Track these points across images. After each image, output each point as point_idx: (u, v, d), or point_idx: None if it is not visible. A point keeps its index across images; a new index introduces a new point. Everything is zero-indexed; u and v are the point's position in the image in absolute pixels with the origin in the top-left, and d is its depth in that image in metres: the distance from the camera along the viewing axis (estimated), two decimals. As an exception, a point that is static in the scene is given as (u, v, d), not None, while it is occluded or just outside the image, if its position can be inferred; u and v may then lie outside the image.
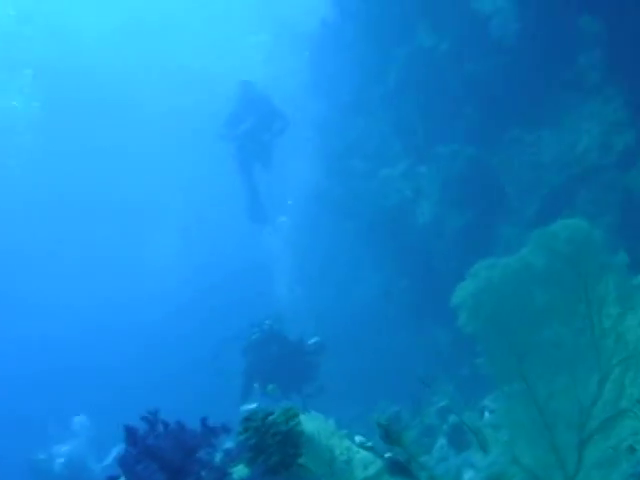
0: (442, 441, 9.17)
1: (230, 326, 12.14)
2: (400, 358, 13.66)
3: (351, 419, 13.29)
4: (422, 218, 12.25)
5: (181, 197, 27.84)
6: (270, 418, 2.44)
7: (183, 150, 27.40)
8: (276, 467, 2.36)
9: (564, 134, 10.11)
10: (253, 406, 9.76)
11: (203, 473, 2.02)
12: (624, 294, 3.43)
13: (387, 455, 2.80)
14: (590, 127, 9.73)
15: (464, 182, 11.49)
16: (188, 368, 20.35)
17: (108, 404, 20.93)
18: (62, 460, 14.39)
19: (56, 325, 25.79)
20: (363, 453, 2.67)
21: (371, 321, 14.40)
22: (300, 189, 17.85)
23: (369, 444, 2.80)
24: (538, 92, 10.28)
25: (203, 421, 2.01)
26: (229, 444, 2.24)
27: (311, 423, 2.58)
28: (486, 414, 8.40)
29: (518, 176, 10.71)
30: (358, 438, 2.78)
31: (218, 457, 2.08)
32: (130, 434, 1.95)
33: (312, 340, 10.85)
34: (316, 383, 10.81)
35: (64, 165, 28.01)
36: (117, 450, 15.13)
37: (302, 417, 2.54)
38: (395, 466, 2.79)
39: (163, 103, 27.72)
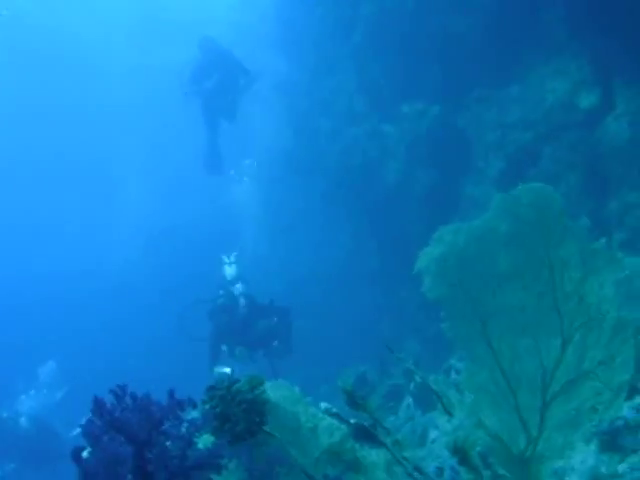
0: (408, 400, 9.28)
1: (195, 288, 12.10)
2: (367, 318, 13.73)
3: (319, 379, 13.46)
4: (388, 178, 12.25)
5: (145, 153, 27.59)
6: (235, 386, 2.45)
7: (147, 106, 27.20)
8: (242, 435, 2.38)
9: (530, 92, 10.14)
10: (226, 369, 9.76)
11: (168, 444, 2.03)
12: (585, 258, 3.46)
13: (352, 421, 2.83)
14: (555, 85, 9.75)
15: (430, 141, 11.53)
16: (155, 330, 20.36)
17: (78, 355, 21.08)
18: (24, 419, 14.39)
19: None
20: (328, 420, 2.69)
21: (339, 281, 14.43)
22: (266, 147, 17.76)
23: (334, 410, 2.82)
24: (504, 50, 10.29)
25: (170, 393, 2.01)
26: (194, 414, 2.23)
27: (277, 391, 2.60)
28: (452, 374, 8.51)
29: (484, 135, 10.74)
30: (323, 405, 2.81)
31: (184, 428, 2.08)
32: (97, 406, 1.95)
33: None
34: (283, 346, 10.74)
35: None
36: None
37: (267, 385, 2.56)
38: (360, 431, 2.82)
39: (128, 59, 27.47)
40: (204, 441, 2.28)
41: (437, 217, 11.16)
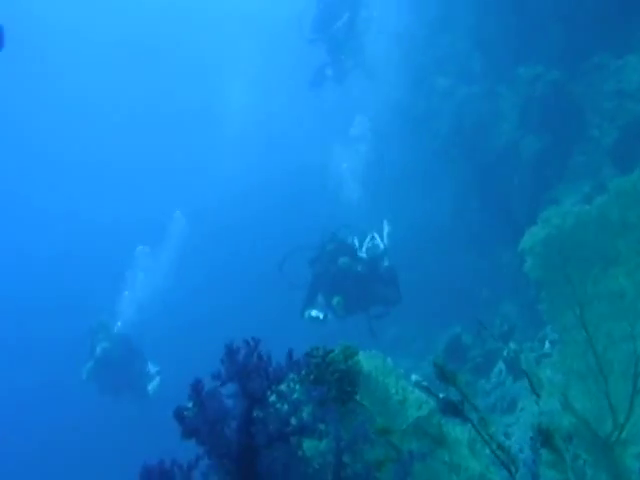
0: (501, 366, 9.30)
1: (296, 233, 12.05)
2: (466, 279, 13.69)
3: (414, 335, 13.53)
4: (499, 140, 12.13)
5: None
6: (330, 356, 2.53)
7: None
8: (334, 402, 2.47)
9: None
10: (319, 314, 9.74)
11: (279, 405, 2.14)
12: (693, 250, 3.43)
13: (441, 395, 2.89)
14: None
15: (544, 106, 11.32)
16: (255, 277, 20.58)
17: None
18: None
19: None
20: (417, 393, 2.76)
21: (440, 240, 14.41)
22: (381, 99, 17.65)
23: (424, 384, 2.89)
24: (627, 16, 10.02)
25: (289, 354, 2.12)
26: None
27: (369, 361, 2.66)
28: (547, 344, 8.49)
29: (599, 103, 10.52)
30: (414, 377, 2.88)
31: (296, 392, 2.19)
32: (230, 353, 2.08)
33: (385, 263, 10.33)
34: (383, 308, 10.46)
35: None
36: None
37: (361, 354, 2.63)
38: (448, 406, 2.88)
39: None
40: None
41: (545, 183, 11.14)
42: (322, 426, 2.18)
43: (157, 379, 14.81)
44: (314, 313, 9.89)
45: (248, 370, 2.08)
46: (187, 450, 2.29)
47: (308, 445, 2.38)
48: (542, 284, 3.55)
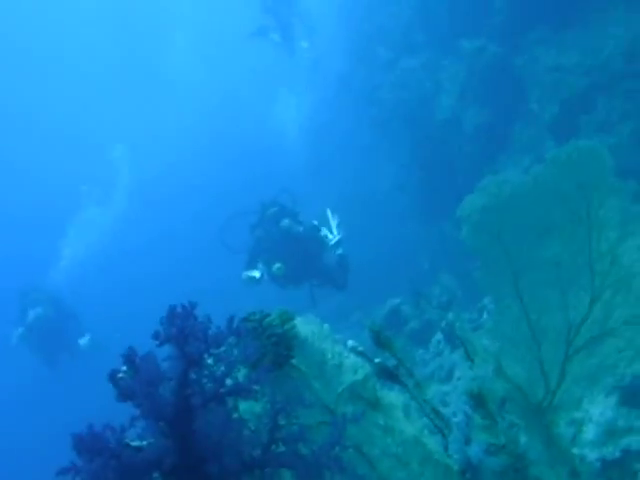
0: (439, 336, 9.41)
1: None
2: (407, 250, 13.79)
3: (353, 306, 13.60)
4: (441, 113, 12.20)
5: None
6: (267, 320, 2.55)
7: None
8: (269, 366, 2.49)
9: (591, 37, 9.98)
10: (255, 273, 9.62)
11: (215, 368, 2.16)
12: (625, 220, 3.49)
13: (376, 360, 2.93)
14: (618, 32, 9.59)
15: (485, 79, 11.41)
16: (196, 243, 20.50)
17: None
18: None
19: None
20: (353, 358, 2.79)
21: (381, 211, 14.48)
22: (321, 71, 17.66)
23: (360, 349, 2.91)
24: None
25: (230, 320, 2.13)
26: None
27: (306, 326, 2.68)
28: (485, 315, 8.62)
29: (540, 77, 10.62)
30: (350, 342, 2.90)
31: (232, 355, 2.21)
32: (170, 314, 2.08)
33: (338, 251, 10.07)
34: (340, 282, 10.30)
35: None
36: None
37: (298, 319, 2.65)
38: (383, 371, 2.92)
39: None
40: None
41: (485, 156, 11.24)
42: (257, 387, 2.19)
43: (88, 335, 14.56)
44: (250, 273, 9.72)
45: (186, 333, 2.08)
46: (124, 413, 2.29)
47: (244, 408, 2.40)
48: (478, 252, 3.60)
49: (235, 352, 2.22)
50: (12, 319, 14.09)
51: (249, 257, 10.04)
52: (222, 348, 2.17)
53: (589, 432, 4.73)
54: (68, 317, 14.67)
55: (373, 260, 13.90)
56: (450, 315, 9.27)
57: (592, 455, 4.38)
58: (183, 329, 2.11)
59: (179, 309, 2.13)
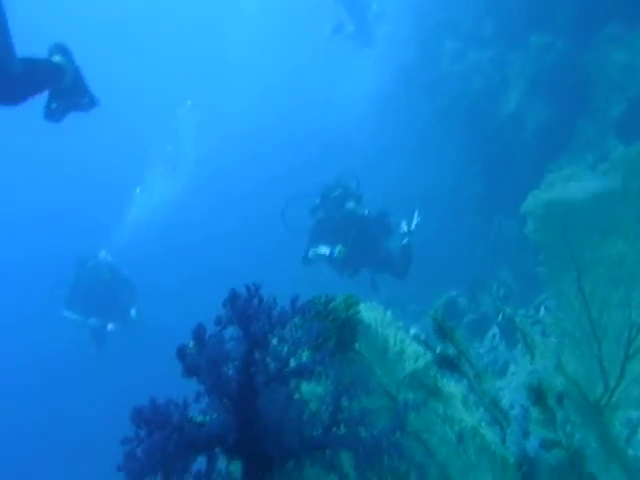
0: (495, 331, 9.36)
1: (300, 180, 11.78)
2: (465, 245, 13.72)
3: (410, 297, 13.57)
4: (506, 107, 12.10)
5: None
6: (332, 304, 2.58)
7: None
8: (333, 350, 2.52)
9: (664, 37, 9.87)
10: (324, 250, 9.49)
11: (279, 348, 2.19)
12: (692, 220, 3.47)
13: (438, 350, 2.95)
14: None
15: (553, 76, 11.30)
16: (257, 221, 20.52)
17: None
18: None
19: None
20: (415, 346, 2.81)
21: (441, 203, 14.40)
22: (388, 61, 17.59)
23: (422, 337, 2.94)
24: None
25: (293, 300, 2.16)
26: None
27: (370, 312, 2.71)
28: (542, 311, 8.55)
29: (609, 75, 10.50)
30: (413, 330, 2.93)
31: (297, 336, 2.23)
32: (232, 297, 2.11)
33: (404, 241, 10.01)
34: (402, 271, 10.18)
35: None
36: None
37: (362, 305, 2.67)
38: (444, 361, 2.94)
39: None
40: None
41: (547, 152, 11.14)
42: (320, 369, 2.22)
43: (137, 306, 14.44)
44: (319, 250, 9.56)
45: (249, 314, 2.11)
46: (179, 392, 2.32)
47: (306, 390, 2.44)
48: (541, 247, 3.59)
49: (299, 333, 2.24)
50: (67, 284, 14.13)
51: (309, 241, 9.91)
52: (286, 328, 2.20)
53: (645, 433, 4.70)
54: (123, 284, 14.56)
55: (431, 253, 13.83)
56: (507, 309, 9.21)
57: (647, 457, 4.35)
58: (245, 310, 2.13)
59: (242, 291, 2.16)
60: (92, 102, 5.11)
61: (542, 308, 8.46)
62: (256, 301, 2.14)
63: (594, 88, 10.74)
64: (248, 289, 2.15)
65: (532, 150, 11.44)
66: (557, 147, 10.89)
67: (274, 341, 2.21)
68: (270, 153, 23.23)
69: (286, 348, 2.22)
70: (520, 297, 10.51)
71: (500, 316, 9.31)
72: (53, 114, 4.81)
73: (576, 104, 10.95)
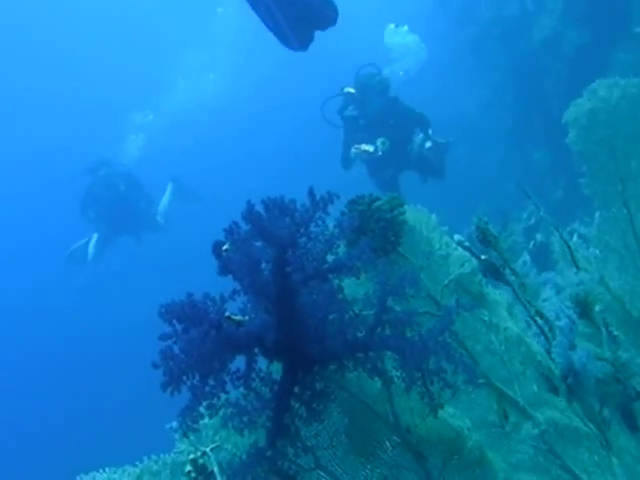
0: (526, 258, 9.26)
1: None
2: (494, 174, 13.60)
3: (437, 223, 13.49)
4: (540, 32, 11.84)
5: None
6: (376, 204, 2.49)
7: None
8: (377, 251, 2.44)
9: None
10: (368, 147, 8.95)
11: (310, 245, 2.09)
12: None
13: (483, 257, 2.86)
14: None
15: (589, 0, 11.00)
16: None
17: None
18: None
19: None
20: (460, 251, 2.73)
21: (470, 131, 14.25)
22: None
23: (467, 244, 2.85)
24: None
25: (310, 193, 2.03)
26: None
27: (415, 214, 2.62)
28: (575, 237, 8.43)
29: (647, 0, 10.23)
30: (457, 236, 2.84)
31: (329, 227, 2.13)
32: (248, 212, 2.01)
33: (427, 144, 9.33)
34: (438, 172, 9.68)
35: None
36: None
37: (407, 207, 2.59)
38: (489, 268, 2.86)
39: None
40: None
41: (582, 80, 10.83)
42: (359, 264, 2.12)
43: (162, 209, 14.12)
44: (364, 146, 8.86)
45: (270, 219, 2.01)
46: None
47: (349, 292, 2.36)
48: (584, 158, 3.48)
49: (329, 227, 2.14)
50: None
51: (345, 140, 9.41)
52: (312, 225, 2.08)
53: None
54: (141, 195, 13.89)
55: (460, 181, 13.68)
56: (539, 236, 9.11)
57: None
58: (266, 218, 2.02)
59: (260, 203, 2.05)
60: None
61: (575, 235, 8.35)
62: (277, 208, 2.03)
63: (631, 14, 10.44)
64: (265, 204, 2.03)
65: (566, 77, 11.19)
66: (592, 75, 10.63)
67: (303, 240, 2.10)
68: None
69: (319, 245, 2.12)
70: (551, 225, 10.39)
71: (532, 243, 9.21)
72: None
73: (613, 30, 10.66)
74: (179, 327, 2.02)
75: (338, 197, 2.06)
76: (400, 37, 11.15)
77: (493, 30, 12.98)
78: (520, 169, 12.92)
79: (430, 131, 9.37)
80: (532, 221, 10.65)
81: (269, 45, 4.75)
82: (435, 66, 15.45)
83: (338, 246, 2.14)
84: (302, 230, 2.03)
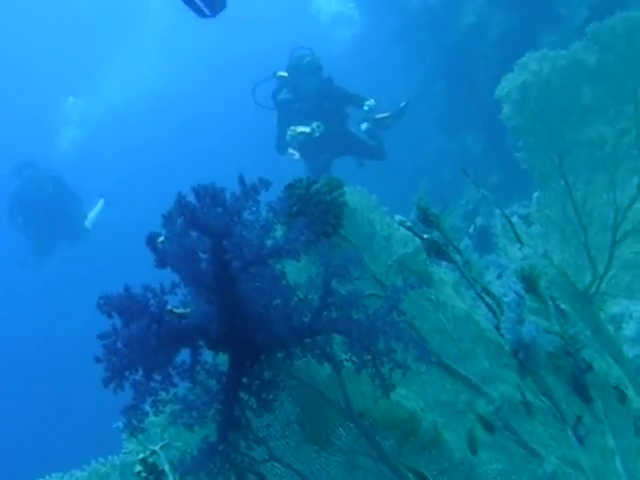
0: (467, 242, 9.33)
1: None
2: (430, 161, 13.65)
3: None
4: (466, 18, 11.90)
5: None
6: (314, 187, 2.44)
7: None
8: (318, 234, 2.39)
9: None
10: (304, 129, 8.75)
11: (245, 233, 2.03)
12: (675, 96, 3.37)
13: (426, 236, 2.83)
14: None
15: (514, -16, 11.10)
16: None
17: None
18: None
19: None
20: (403, 231, 2.70)
21: (401, 122, 14.28)
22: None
23: (408, 224, 2.82)
24: None
25: (240, 180, 1.97)
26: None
27: (354, 196, 2.59)
28: (514, 218, 8.49)
29: (570, -18, 10.32)
30: (398, 217, 2.79)
31: (263, 212, 2.06)
32: (180, 205, 1.93)
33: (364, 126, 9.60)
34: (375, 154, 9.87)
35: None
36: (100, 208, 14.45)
37: (346, 189, 2.55)
38: (433, 246, 2.83)
39: None
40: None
41: (510, 64, 10.91)
42: (298, 247, 2.07)
43: (91, 213, 13.89)
44: (300, 128, 8.89)
45: (203, 208, 1.94)
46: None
47: (292, 278, 2.31)
48: (520, 132, 3.47)
49: (263, 213, 2.08)
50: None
51: (278, 124, 9.42)
52: (245, 213, 2.02)
53: (629, 329, 4.67)
54: (69, 198, 13.60)
55: (396, 170, 13.70)
56: (479, 220, 9.17)
57: (631, 352, 4.31)
58: (198, 210, 1.95)
59: (192, 192, 1.98)
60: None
61: (515, 217, 8.41)
62: (208, 198, 1.96)
63: (556, -4, 10.54)
64: (196, 192, 1.96)
65: (494, 61, 11.26)
66: (520, 58, 10.73)
67: (238, 229, 2.04)
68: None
69: (255, 231, 2.06)
70: (489, 212, 10.47)
71: (472, 227, 9.27)
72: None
73: (538, 13, 10.75)
74: (119, 321, 1.95)
75: (270, 184, 2.01)
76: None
77: (421, 18, 13.01)
78: (456, 156, 12.99)
79: (366, 108, 9.37)
80: (470, 206, 10.72)
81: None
82: (366, 54, 15.55)
83: (275, 230, 2.09)
84: (235, 219, 1.97)
